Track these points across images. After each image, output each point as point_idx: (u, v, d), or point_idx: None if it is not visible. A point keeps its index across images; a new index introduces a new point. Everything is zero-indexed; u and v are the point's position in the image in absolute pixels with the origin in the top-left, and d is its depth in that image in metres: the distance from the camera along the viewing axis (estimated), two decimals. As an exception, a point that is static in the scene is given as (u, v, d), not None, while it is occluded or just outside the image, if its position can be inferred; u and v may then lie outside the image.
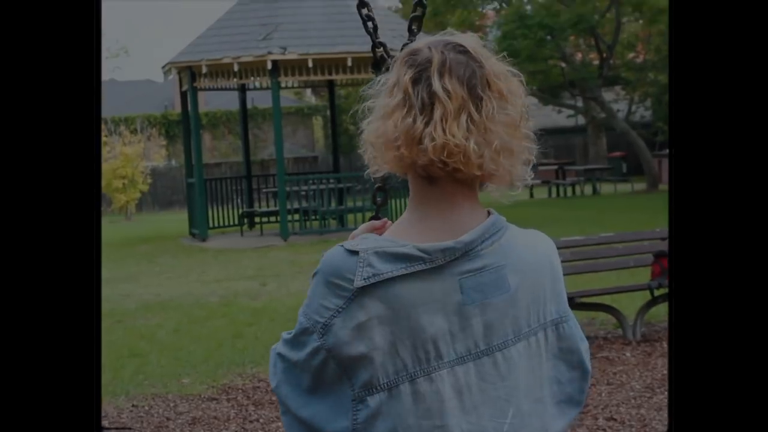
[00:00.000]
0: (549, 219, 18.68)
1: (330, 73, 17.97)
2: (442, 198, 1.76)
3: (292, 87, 26.05)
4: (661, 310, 8.55)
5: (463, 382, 1.73)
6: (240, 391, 7.14)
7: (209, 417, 6.53)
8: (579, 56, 31.65)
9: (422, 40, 1.83)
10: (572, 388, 1.86)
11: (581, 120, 35.86)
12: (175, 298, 11.73)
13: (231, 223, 20.30)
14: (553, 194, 27.31)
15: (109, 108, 35.17)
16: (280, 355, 1.83)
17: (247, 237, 19.18)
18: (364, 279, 1.69)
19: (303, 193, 18.72)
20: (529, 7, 29.45)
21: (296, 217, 18.47)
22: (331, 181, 19.27)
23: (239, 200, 21.53)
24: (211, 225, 19.44)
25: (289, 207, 18.17)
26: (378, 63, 2.56)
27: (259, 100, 34.62)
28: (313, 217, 18.78)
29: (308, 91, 42.14)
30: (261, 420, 6.37)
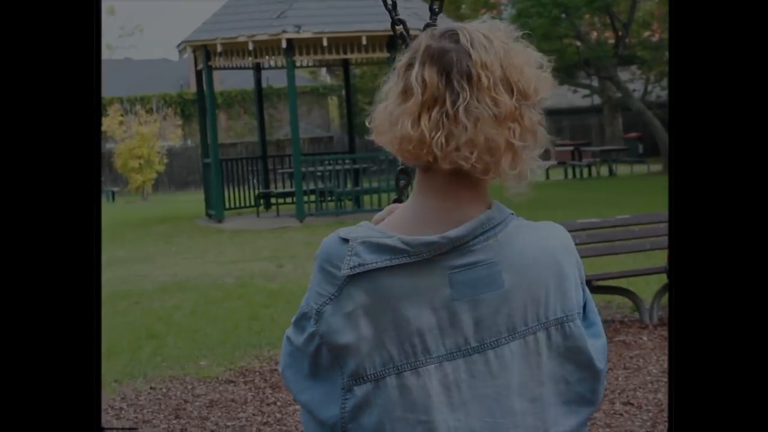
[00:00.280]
0: (565, 201, 18.63)
1: (345, 52, 17.93)
2: (437, 188, 1.74)
3: (307, 66, 26.01)
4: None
5: (451, 378, 1.72)
6: (257, 373, 7.17)
7: (226, 400, 6.56)
8: (594, 35, 31.45)
9: (443, 26, 1.81)
10: (582, 388, 1.82)
11: (597, 100, 35.69)
12: (191, 279, 11.77)
13: (247, 204, 20.30)
14: (569, 175, 27.22)
15: (124, 87, 35.25)
16: (287, 338, 1.85)
17: (263, 218, 19.18)
18: (350, 268, 1.71)
19: (318, 173, 18.69)
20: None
21: (312, 198, 18.45)
22: (347, 161, 19.26)
23: (255, 181, 21.53)
24: (227, 206, 19.45)
25: (304, 188, 18.16)
26: (396, 41, 2.53)
27: (274, 79, 34.63)
28: (329, 198, 18.76)
29: (323, 70, 42.07)
30: (278, 403, 6.40)
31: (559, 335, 1.77)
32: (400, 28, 2.60)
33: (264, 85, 25.37)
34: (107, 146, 30.21)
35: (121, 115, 28.28)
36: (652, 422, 5.67)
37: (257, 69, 21.44)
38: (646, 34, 32.63)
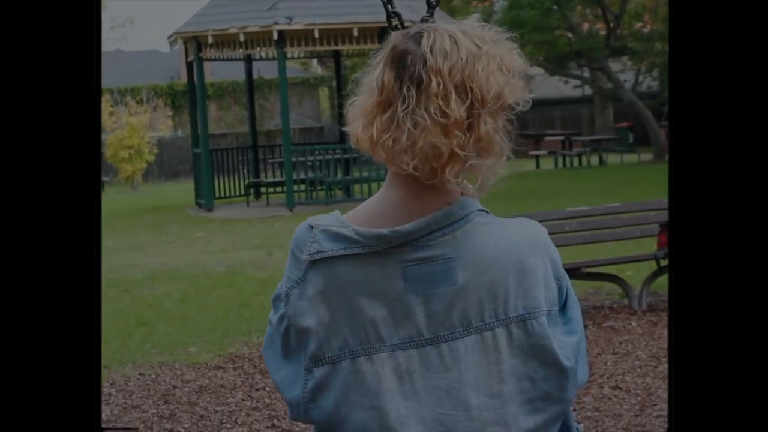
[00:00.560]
0: (556, 189, 18.66)
1: (336, 44, 17.94)
2: (403, 181, 1.75)
3: (298, 57, 26.00)
4: (667, 280, 8.55)
5: (404, 367, 1.74)
6: (246, 359, 7.17)
7: (216, 385, 6.57)
8: (586, 26, 31.48)
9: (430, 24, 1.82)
10: (548, 386, 1.78)
11: (588, 90, 35.70)
12: (181, 267, 11.76)
13: (237, 193, 20.32)
14: (560, 165, 27.24)
15: (114, 78, 35.12)
16: (269, 319, 1.89)
17: (253, 207, 19.19)
18: (310, 254, 1.76)
19: (309, 163, 18.71)
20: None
21: (302, 187, 18.46)
22: (337, 151, 19.24)
23: (245, 170, 21.53)
24: (217, 195, 19.47)
25: (295, 177, 18.17)
26: (388, 33, 2.52)
27: (265, 70, 34.56)
28: (319, 188, 18.78)
29: (314, 61, 42.00)
30: (267, 388, 6.40)
31: (521, 332, 1.75)
32: (395, 21, 2.58)
33: (255, 76, 25.34)
34: (97, 137, 30.08)
35: (111, 106, 28.21)
36: (641, 406, 5.69)
37: (248, 60, 21.42)
38: (638, 25, 32.68)
